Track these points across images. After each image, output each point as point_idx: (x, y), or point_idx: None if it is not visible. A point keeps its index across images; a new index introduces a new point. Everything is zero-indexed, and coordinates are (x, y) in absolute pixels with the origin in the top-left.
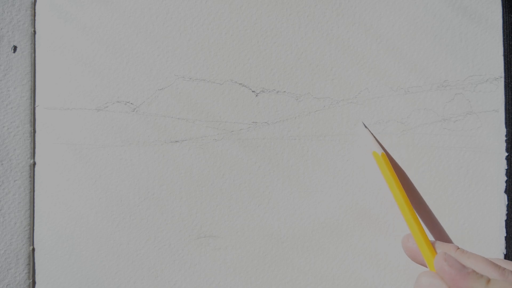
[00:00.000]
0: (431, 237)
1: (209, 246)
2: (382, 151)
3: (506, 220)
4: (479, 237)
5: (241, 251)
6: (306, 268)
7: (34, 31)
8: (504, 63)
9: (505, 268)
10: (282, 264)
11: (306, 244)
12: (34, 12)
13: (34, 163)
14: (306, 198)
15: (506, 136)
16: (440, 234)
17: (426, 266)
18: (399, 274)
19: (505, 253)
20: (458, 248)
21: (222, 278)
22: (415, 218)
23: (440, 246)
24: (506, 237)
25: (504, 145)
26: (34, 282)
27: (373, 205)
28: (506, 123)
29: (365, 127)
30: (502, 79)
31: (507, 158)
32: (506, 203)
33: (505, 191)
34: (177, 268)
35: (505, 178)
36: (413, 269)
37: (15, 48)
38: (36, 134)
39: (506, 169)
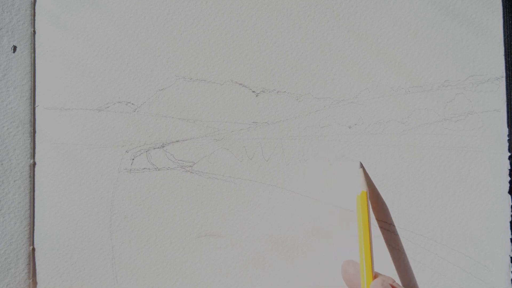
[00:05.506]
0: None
1: (210, 245)
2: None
3: (511, 222)
4: (482, 239)
5: (241, 250)
6: (307, 268)
7: (34, 31)
8: (505, 62)
9: None
10: (282, 264)
11: (307, 243)
12: (34, 12)
13: (34, 163)
14: (306, 198)
15: (508, 136)
16: (408, 277)
17: None
18: (399, 275)
19: (511, 255)
20: (394, 281)
21: (222, 277)
22: (369, 247)
23: (379, 275)
24: (511, 238)
25: (506, 145)
26: (35, 282)
27: (374, 205)
28: (508, 123)
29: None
30: (503, 79)
31: (509, 158)
32: (510, 204)
33: (509, 192)
34: (178, 266)
35: (509, 179)
36: (406, 272)
37: (15, 48)
38: (36, 134)
39: (509, 169)
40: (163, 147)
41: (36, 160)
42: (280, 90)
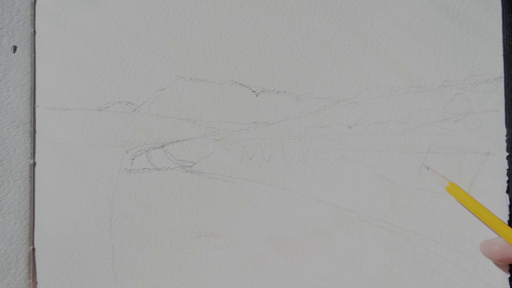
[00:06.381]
0: None
1: (210, 245)
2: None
3: (508, 221)
4: (481, 238)
5: (241, 250)
6: (307, 268)
7: (34, 31)
8: (504, 63)
9: None
10: (282, 264)
11: (307, 243)
12: (34, 12)
13: (34, 163)
14: (306, 198)
15: (506, 136)
16: None
17: None
18: (398, 276)
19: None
20: None
21: (222, 277)
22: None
23: None
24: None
25: (504, 145)
26: (35, 282)
27: (374, 205)
28: (506, 123)
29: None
30: (502, 79)
31: (508, 158)
32: (508, 203)
33: (507, 191)
34: (178, 266)
35: (507, 178)
36: (406, 272)
37: (15, 48)
38: (36, 134)
39: (507, 169)
40: (163, 147)
41: (36, 160)
42: (280, 90)
